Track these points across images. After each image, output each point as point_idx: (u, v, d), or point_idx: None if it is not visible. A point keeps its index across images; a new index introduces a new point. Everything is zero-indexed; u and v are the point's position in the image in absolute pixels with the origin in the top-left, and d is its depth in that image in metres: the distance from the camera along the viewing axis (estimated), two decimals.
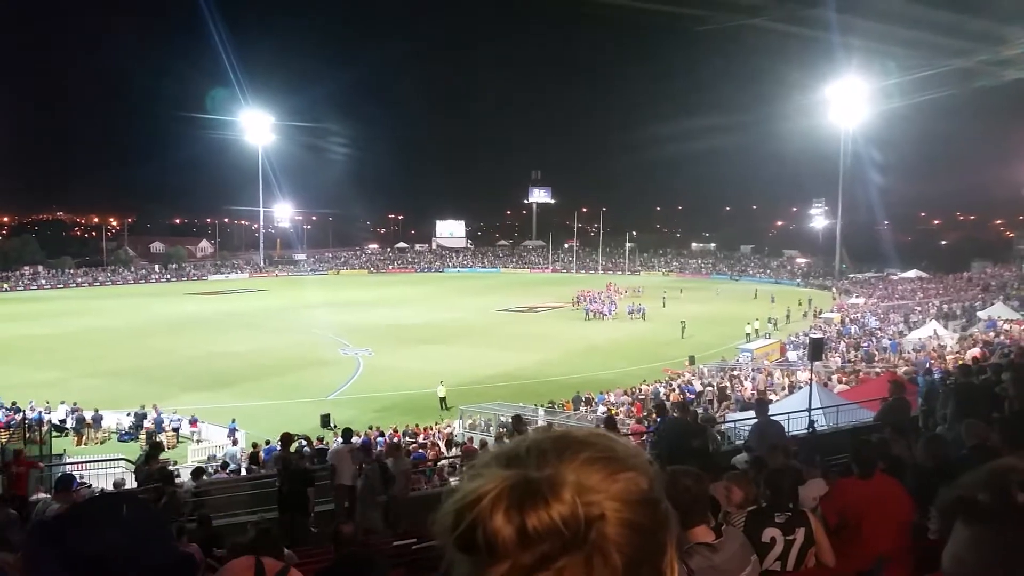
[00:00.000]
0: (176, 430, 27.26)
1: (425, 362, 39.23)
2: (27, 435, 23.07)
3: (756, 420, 11.01)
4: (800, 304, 63.29)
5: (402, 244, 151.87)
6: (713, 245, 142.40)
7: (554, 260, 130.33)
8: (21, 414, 26.61)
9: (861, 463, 5.43)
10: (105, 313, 62.20)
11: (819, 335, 33.96)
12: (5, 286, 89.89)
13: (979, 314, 43.51)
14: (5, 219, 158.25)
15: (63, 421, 27.67)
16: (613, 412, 27.52)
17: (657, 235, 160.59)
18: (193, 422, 27.59)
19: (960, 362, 21.47)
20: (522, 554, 0.77)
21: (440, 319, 57.85)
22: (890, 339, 39.09)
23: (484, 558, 0.78)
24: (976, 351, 26.90)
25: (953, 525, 1.25)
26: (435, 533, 0.83)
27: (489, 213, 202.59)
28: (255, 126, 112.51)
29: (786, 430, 11.35)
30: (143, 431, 26.76)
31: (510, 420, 23.86)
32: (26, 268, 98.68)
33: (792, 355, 38.13)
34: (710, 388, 30.78)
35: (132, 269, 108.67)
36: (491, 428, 25.52)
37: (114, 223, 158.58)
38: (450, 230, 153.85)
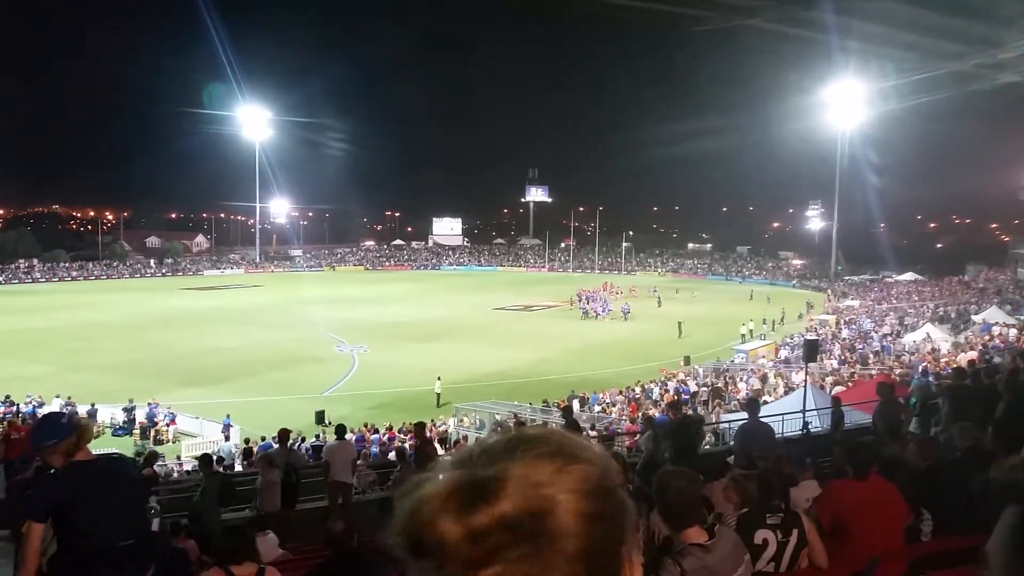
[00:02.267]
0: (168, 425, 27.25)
1: (420, 359, 39.21)
2: None
3: (745, 421, 11.01)
4: (807, 307, 63.40)
5: (399, 241, 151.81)
6: (709, 246, 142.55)
7: (550, 259, 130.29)
8: (15, 407, 26.58)
9: (856, 464, 5.43)
10: (100, 307, 62.06)
11: (814, 337, 34.00)
12: (0, 279, 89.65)
13: (974, 317, 43.62)
14: (0, 212, 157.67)
15: None
16: (607, 412, 27.55)
17: (654, 235, 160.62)
18: (171, 420, 27.53)
19: (954, 365, 21.54)
20: (472, 550, 0.79)
21: (436, 316, 57.83)
22: (884, 343, 39.15)
23: (437, 560, 0.80)
24: (971, 354, 26.99)
25: (1000, 511, 1.25)
26: (390, 540, 0.85)
27: (486, 211, 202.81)
28: (252, 121, 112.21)
29: (779, 431, 11.34)
30: (137, 425, 26.75)
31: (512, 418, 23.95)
32: (21, 261, 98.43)
33: (783, 353, 38.27)
34: (705, 388, 30.81)
35: (127, 263, 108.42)
36: (485, 426, 25.54)
37: (110, 217, 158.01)
38: (447, 228, 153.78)
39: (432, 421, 26.69)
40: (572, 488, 0.84)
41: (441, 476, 0.85)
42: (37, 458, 12.18)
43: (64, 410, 27.50)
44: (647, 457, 10.80)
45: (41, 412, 26.30)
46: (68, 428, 4.16)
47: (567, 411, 13.93)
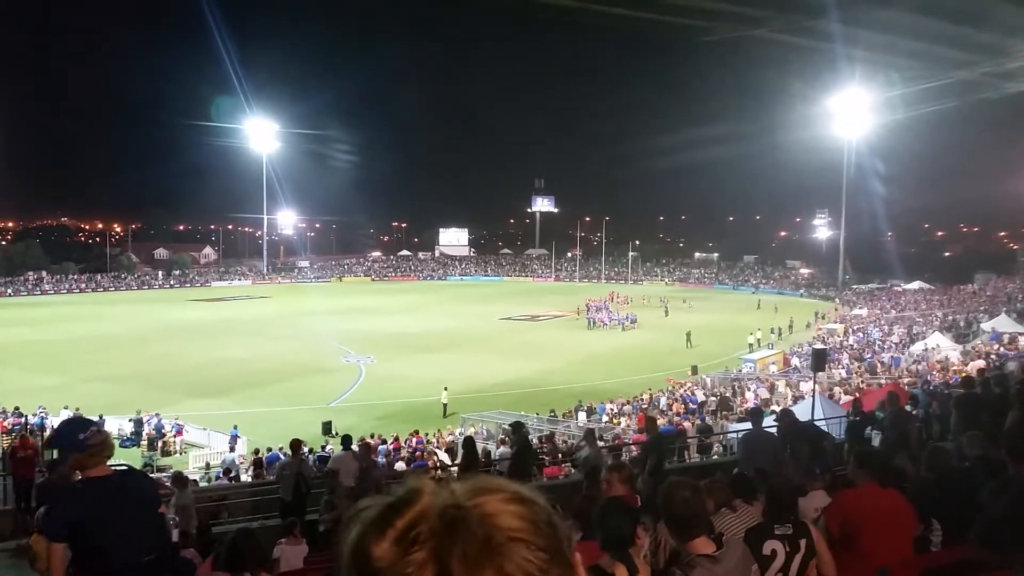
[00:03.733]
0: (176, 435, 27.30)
1: (427, 370, 39.19)
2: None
3: (748, 431, 10.94)
4: (815, 316, 63.21)
5: (405, 252, 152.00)
6: (716, 255, 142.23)
7: (557, 269, 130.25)
8: (24, 419, 26.66)
9: (874, 468, 5.43)
10: (108, 319, 62.31)
11: (822, 346, 33.89)
12: (9, 291, 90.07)
13: (983, 326, 43.41)
14: (9, 224, 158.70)
15: None
16: (614, 422, 27.47)
17: (660, 245, 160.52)
18: (179, 431, 27.57)
19: (963, 374, 21.42)
20: (407, 551, 0.81)
21: (443, 327, 57.83)
22: (892, 355, 38.94)
23: None
24: (980, 363, 26.85)
25: None
26: None
27: (492, 221, 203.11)
28: (259, 134, 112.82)
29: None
30: (145, 437, 26.78)
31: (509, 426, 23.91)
32: (30, 273, 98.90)
33: (795, 362, 38.12)
34: (713, 398, 30.71)
35: (135, 275, 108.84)
36: (493, 436, 25.47)
37: (118, 229, 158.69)
38: (453, 238, 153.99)
39: (439, 431, 26.70)
40: (481, 493, 0.87)
41: (365, 516, 0.88)
42: (42, 469, 12.26)
43: (95, 419, 27.68)
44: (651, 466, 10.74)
45: (48, 424, 26.43)
46: (81, 445, 4.11)
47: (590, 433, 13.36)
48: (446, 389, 31.63)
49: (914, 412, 12.94)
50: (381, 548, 0.83)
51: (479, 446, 23.88)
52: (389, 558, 0.82)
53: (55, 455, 9.68)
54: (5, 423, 26.61)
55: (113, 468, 4.50)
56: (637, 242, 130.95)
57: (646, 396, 31.09)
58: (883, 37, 21.78)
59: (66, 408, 28.18)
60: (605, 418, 28.39)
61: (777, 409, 25.01)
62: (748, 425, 11.69)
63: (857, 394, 25.28)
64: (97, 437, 4.22)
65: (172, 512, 10.26)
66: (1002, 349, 31.91)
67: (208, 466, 23.51)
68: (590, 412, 29.05)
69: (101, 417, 27.57)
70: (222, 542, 5.80)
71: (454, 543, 0.81)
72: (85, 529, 4.02)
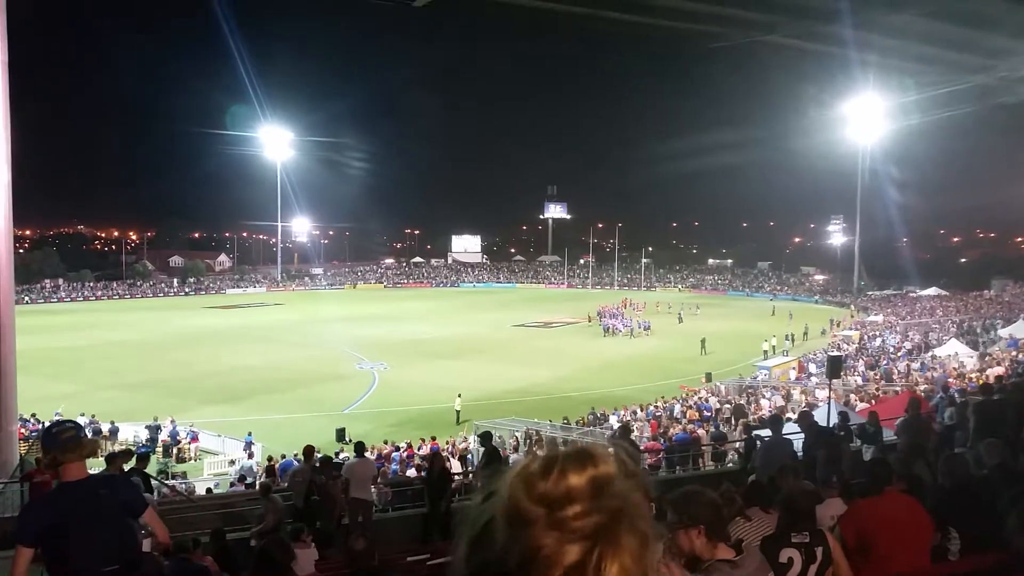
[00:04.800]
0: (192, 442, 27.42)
1: (440, 377, 39.24)
2: None
3: (768, 438, 10.90)
4: (831, 323, 62.84)
5: (418, 259, 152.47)
6: (730, 261, 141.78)
7: (570, 275, 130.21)
8: (41, 425, 26.84)
9: (873, 479, 5.38)
10: (124, 326, 62.78)
11: (837, 353, 33.64)
12: (26, 299, 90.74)
13: (1000, 332, 43.01)
14: (26, 232, 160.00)
15: None
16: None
17: (673, 251, 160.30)
18: (194, 438, 27.71)
19: (981, 381, 21.23)
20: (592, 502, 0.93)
21: (456, 334, 57.89)
22: (911, 359, 38.60)
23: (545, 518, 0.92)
24: (999, 369, 26.60)
25: None
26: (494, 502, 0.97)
27: (505, 228, 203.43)
28: (274, 142, 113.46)
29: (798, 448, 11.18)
30: (159, 444, 26.92)
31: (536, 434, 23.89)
32: (46, 281, 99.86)
33: (812, 368, 37.84)
34: (728, 406, 30.52)
35: (151, 282, 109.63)
36: (505, 443, 25.41)
37: (133, 237, 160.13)
38: (466, 245, 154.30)
39: (452, 439, 26.69)
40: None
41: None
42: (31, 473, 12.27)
43: (87, 427, 27.84)
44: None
45: None
46: (55, 440, 4.10)
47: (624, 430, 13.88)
48: (460, 396, 31.64)
49: (932, 419, 12.81)
50: (577, 481, 0.94)
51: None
52: (581, 490, 0.93)
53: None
54: (23, 430, 26.80)
55: (92, 474, 4.47)
56: (650, 248, 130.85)
57: (660, 404, 30.93)
58: (897, 42, 21.65)
59: (82, 415, 28.38)
60: (618, 426, 28.25)
61: (792, 416, 24.88)
62: (769, 432, 11.64)
63: (873, 402, 25.14)
64: (70, 433, 4.20)
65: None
66: (1020, 356, 31.61)
67: (232, 464, 23.56)
68: (602, 419, 28.92)
69: (113, 423, 27.81)
70: (238, 549, 5.82)
71: (621, 534, 0.92)
72: (52, 535, 3.98)
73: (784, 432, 10.93)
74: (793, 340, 52.80)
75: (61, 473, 4.14)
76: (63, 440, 4.11)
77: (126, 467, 10.58)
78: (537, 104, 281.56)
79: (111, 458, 11.31)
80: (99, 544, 4.11)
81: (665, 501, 3.43)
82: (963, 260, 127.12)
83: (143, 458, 13.14)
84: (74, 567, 4.03)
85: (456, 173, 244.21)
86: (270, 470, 21.07)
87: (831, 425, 15.49)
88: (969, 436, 10.44)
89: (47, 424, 4.39)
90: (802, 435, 11.40)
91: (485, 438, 13.47)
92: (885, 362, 38.52)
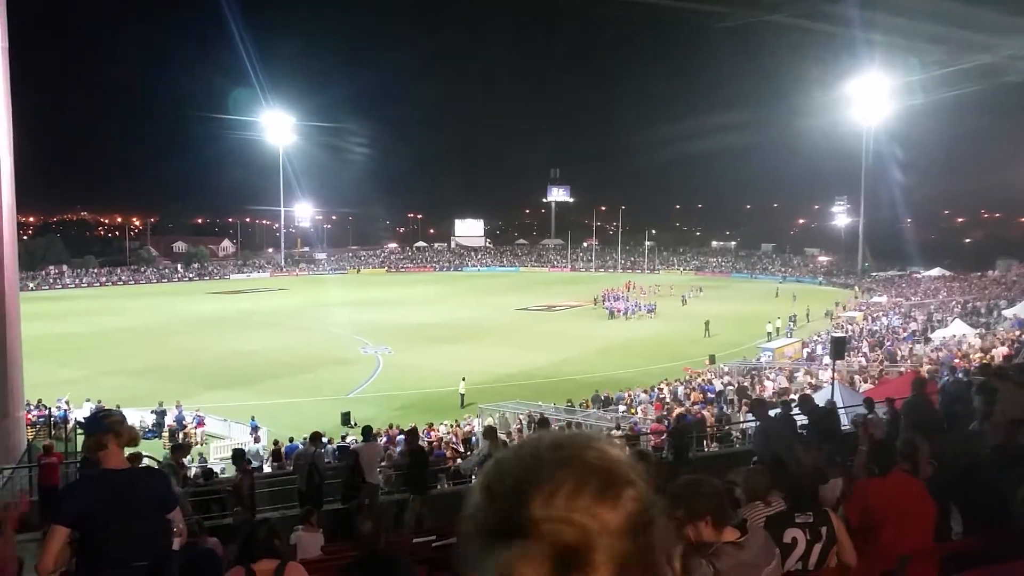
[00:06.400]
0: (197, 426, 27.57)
1: (444, 361, 39.33)
2: (52, 432, 23.43)
3: (760, 422, 10.85)
4: (835, 304, 62.71)
5: (421, 243, 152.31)
6: (734, 243, 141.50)
7: (573, 259, 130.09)
8: (48, 411, 26.98)
9: (879, 461, 5.39)
10: (128, 312, 62.93)
11: (841, 334, 33.64)
12: (31, 285, 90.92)
13: (1004, 312, 42.91)
14: (30, 219, 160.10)
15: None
16: (631, 412, 27.46)
17: (677, 233, 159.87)
18: (200, 422, 27.84)
19: (985, 361, 21.22)
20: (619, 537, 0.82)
21: (459, 318, 57.96)
22: (915, 340, 38.58)
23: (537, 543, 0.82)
24: (1004, 349, 26.57)
25: None
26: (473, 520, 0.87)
27: (508, 212, 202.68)
28: (276, 126, 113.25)
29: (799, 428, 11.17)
30: (166, 429, 27.06)
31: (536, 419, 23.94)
32: (51, 267, 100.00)
33: (810, 350, 37.85)
34: (731, 387, 30.57)
35: (155, 268, 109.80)
36: (510, 426, 25.51)
37: (137, 223, 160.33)
38: (469, 229, 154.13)
39: (456, 422, 26.77)
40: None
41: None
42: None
43: (88, 408, 28.00)
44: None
45: (72, 417, 26.76)
46: (100, 424, 4.17)
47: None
48: (464, 379, 31.73)
49: (935, 399, 12.81)
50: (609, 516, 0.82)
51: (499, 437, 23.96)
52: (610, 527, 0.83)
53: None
54: (29, 416, 26.94)
55: (133, 465, 4.48)
56: (653, 231, 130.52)
57: (665, 386, 30.99)
58: (902, 21, 21.50)
59: (88, 401, 28.56)
60: (622, 407, 28.37)
61: (795, 397, 24.90)
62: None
63: (876, 382, 25.16)
64: (116, 418, 4.28)
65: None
66: None
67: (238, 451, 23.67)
68: (607, 402, 29.00)
69: (118, 407, 27.87)
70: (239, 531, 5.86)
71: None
72: (89, 520, 3.99)
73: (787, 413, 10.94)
74: (796, 321, 52.75)
75: (101, 459, 4.15)
76: (108, 424, 4.18)
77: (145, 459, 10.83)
78: (539, 87, 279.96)
79: (176, 449, 11.84)
80: (137, 538, 4.12)
81: (668, 493, 3.44)
82: (967, 240, 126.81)
83: (179, 448, 13.52)
84: (110, 558, 4.03)
85: (459, 157, 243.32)
86: (276, 454, 21.21)
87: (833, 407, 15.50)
88: (974, 416, 10.44)
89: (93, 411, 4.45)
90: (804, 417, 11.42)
91: (489, 433, 13.43)
92: (889, 343, 38.50)
